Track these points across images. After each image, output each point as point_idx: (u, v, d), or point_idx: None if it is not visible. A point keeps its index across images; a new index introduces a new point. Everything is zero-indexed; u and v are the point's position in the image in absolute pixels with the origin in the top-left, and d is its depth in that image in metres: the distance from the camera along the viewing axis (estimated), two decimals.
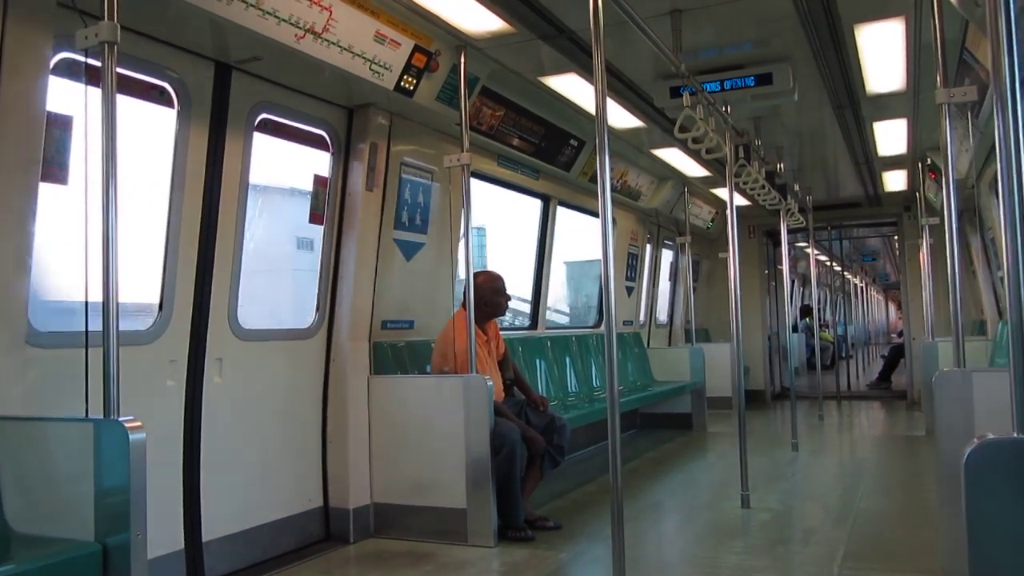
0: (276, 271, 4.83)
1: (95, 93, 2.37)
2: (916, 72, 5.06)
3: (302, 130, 4.26)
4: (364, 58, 3.79)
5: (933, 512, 4.41)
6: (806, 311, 15.83)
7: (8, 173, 2.70)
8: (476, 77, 4.60)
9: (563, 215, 7.07)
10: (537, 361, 6.37)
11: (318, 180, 4.35)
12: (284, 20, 3.31)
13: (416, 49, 4.06)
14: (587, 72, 4.82)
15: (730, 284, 4.98)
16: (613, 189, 7.04)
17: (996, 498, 1.67)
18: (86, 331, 2.49)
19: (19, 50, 2.69)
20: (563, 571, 3.78)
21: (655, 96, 5.03)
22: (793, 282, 16.46)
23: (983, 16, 2.87)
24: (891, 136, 6.78)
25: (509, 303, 4.79)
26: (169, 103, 3.52)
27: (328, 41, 3.55)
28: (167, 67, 3.46)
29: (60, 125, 2.91)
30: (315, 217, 4.36)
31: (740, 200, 8.47)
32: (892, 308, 31.31)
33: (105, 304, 2.29)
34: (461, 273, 4.58)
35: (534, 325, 6.85)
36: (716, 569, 3.72)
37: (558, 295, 6.99)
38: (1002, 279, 7.29)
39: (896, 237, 11.70)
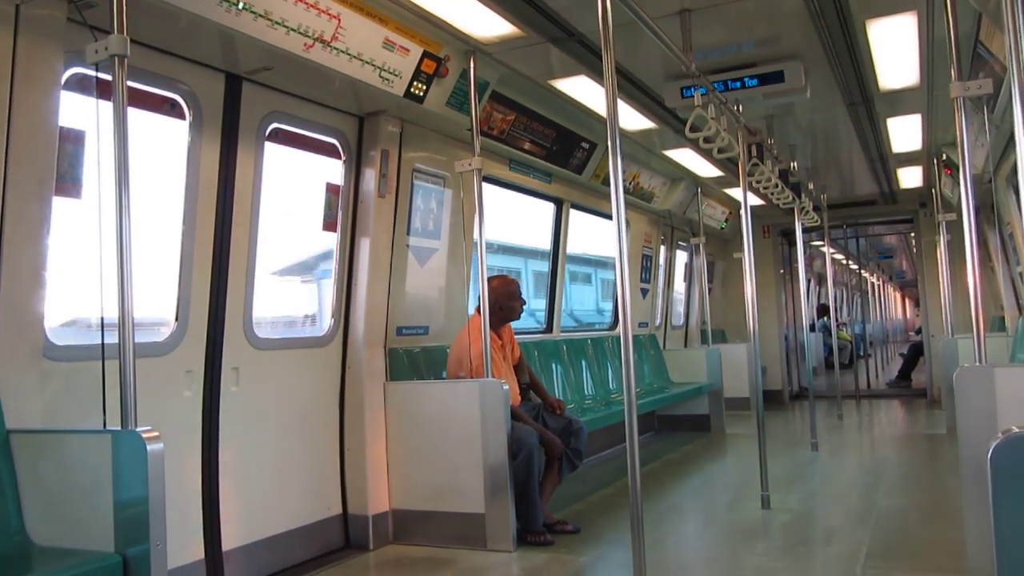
0: None
1: (107, 107, 2.38)
2: (929, 67, 5.01)
3: (313, 139, 4.27)
4: (373, 65, 3.79)
5: (956, 510, 4.35)
6: (823, 310, 15.72)
7: (22, 188, 2.72)
8: (486, 82, 4.60)
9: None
10: (553, 364, 6.35)
11: (330, 188, 4.36)
12: (293, 30, 3.31)
13: (425, 55, 4.06)
14: (597, 74, 4.80)
15: (746, 285, 4.95)
16: (626, 191, 7.01)
17: (1023, 491, 1.64)
18: (102, 343, 2.50)
19: (31, 66, 2.72)
20: (583, 575, 3.76)
21: (666, 97, 5.00)
22: (809, 281, 16.36)
23: (996, 8, 2.84)
24: (905, 132, 6.71)
25: (524, 307, 4.79)
26: (180, 115, 3.54)
27: (337, 49, 3.56)
28: (178, 79, 3.47)
29: (73, 140, 2.93)
30: (328, 225, 4.37)
31: (754, 200, 8.43)
32: (909, 305, 31.07)
33: (121, 316, 2.30)
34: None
35: (549, 328, 6.83)
36: (738, 571, 3.69)
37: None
38: (1021, 274, 7.21)
39: (912, 234, 11.59)
